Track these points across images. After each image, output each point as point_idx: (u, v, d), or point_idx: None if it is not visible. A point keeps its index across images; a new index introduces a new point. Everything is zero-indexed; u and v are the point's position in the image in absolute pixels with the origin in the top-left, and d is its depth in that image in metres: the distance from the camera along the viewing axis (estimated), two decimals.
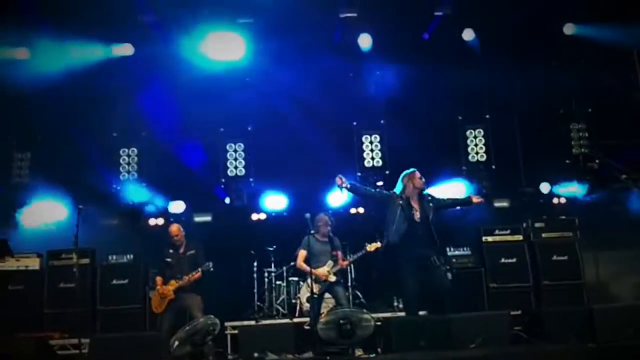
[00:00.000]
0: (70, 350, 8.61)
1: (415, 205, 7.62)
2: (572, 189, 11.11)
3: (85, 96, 10.78)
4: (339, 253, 9.12)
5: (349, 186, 7.66)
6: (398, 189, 7.75)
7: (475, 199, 7.95)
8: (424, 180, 7.74)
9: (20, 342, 7.60)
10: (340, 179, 7.57)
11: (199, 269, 8.61)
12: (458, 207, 8.57)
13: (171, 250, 8.93)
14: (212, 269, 8.68)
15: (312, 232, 8.87)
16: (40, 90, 10.15)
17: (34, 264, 9.95)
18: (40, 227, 10.88)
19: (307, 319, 9.10)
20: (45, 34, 10.13)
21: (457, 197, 8.90)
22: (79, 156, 10.77)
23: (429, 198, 7.74)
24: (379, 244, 8.72)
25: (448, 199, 8.17)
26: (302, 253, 9.04)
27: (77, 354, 7.79)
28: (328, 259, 9.01)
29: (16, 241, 10.04)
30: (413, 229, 7.45)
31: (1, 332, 8.56)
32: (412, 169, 7.81)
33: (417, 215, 7.55)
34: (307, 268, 8.86)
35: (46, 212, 10.85)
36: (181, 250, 8.92)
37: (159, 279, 8.76)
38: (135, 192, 11.22)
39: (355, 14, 10.76)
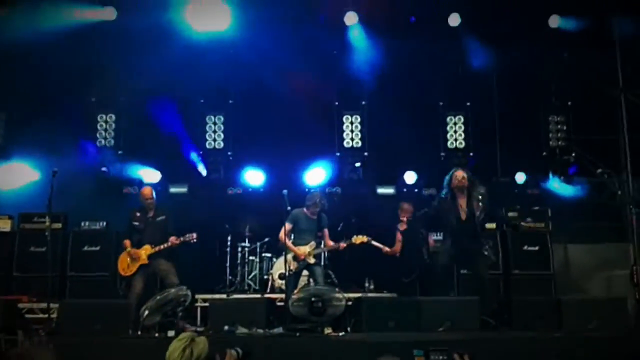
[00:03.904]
0: (38, 315, 8.54)
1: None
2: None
3: (65, 59, 10.50)
4: (326, 231, 9.01)
5: None
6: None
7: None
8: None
9: None
10: None
11: (182, 238, 8.56)
12: None
13: (139, 214, 8.87)
14: (195, 240, 8.65)
15: (304, 208, 8.85)
16: (20, 50, 9.92)
17: (4, 225, 9.83)
18: (12, 189, 10.72)
19: (279, 295, 9.11)
20: None
21: None
22: (57, 119, 10.58)
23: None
24: (365, 239, 8.75)
25: None
26: (287, 226, 8.67)
27: (45, 318, 7.71)
28: (312, 238, 8.86)
29: None
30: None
31: None
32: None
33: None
34: (289, 243, 8.75)
35: (19, 174, 10.68)
36: (150, 215, 8.87)
37: (127, 242, 8.73)
38: (111, 159, 11.05)
39: None
